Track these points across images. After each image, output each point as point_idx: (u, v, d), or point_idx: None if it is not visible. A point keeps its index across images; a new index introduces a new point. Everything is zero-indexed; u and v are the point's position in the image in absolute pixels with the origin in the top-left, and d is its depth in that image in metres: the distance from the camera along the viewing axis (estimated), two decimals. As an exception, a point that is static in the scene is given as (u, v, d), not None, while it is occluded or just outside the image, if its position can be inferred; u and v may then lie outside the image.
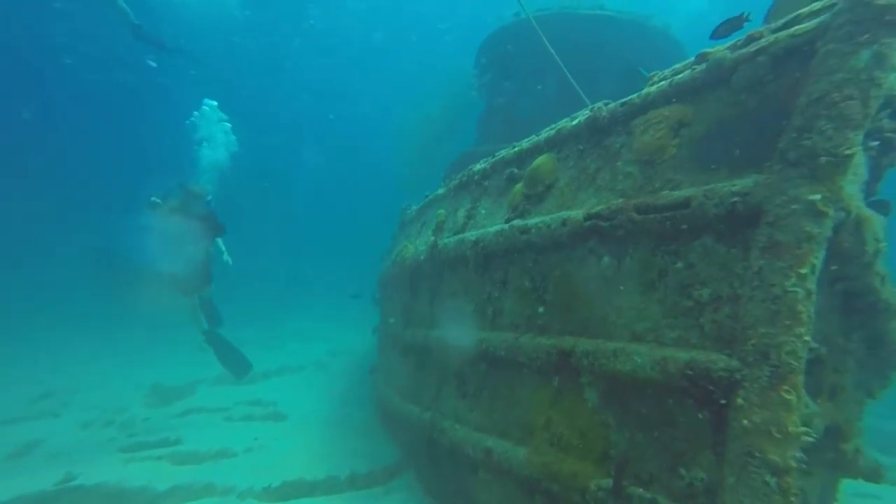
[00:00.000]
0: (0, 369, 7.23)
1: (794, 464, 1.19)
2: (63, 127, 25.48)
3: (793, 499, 1.18)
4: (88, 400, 6.31)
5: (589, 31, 5.56)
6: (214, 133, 8.16)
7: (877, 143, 1.63)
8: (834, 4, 1.37)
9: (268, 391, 6.79)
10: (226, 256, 7.86)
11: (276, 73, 25.06)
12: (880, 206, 1.73)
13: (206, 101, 8.11)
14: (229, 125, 8.17)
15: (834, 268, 1.45)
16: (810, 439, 1.21)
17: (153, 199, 7.69)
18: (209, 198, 8.05)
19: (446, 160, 7.24)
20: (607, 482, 1.74)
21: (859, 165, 1.65)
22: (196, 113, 8.09)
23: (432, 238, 3.59)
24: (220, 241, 7.78)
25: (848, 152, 1.24)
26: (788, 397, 1.22)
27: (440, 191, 4.27)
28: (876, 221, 1.54)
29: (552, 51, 3.07)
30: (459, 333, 3.06)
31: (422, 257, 3.73)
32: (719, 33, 2.32)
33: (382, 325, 5.85)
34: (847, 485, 5.82)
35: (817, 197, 1.26)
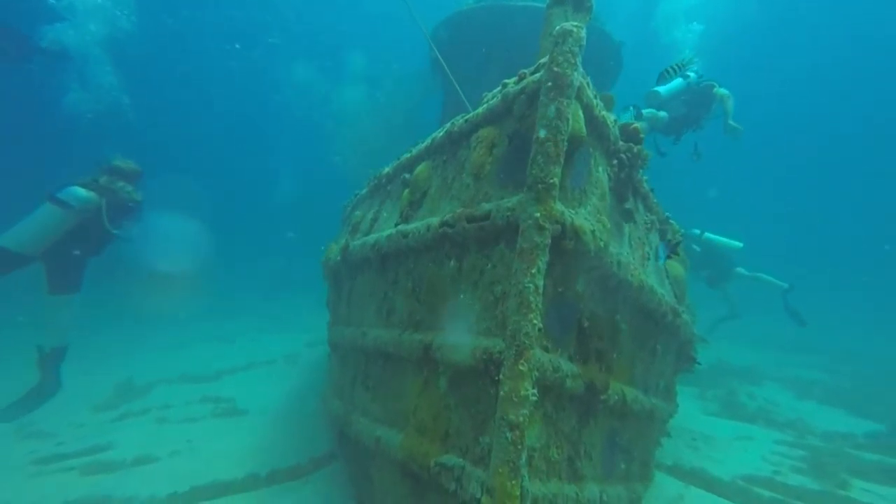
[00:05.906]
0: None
1: (522, 420, 1.72)
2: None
3: (519, 446, 1.71)
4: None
5: (523, 23, 6.03)
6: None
7: (615, 161, 2.17)
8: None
9: (229, 387, 7.38)
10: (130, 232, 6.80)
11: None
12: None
13: None
14: None
15: (577, 262, 2.00)
16: (534, 398, 1.75)
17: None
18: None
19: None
20: (442, 458, 2.27)
21: (600, 180, 2.19)
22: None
23: (344, 241, 4.09)
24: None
25: (552, 181, 1.76)
26: (522, 369, 1.75)
27: (363, 191, 4.76)
28: (590, 228, 2.10)
29: (438, 53, 3.55)
30: (364, 330, 3.59)
31: (338, 258, 4.24)
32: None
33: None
34: (727, 428, 6.63)
35: (538, 215, 1.78)
